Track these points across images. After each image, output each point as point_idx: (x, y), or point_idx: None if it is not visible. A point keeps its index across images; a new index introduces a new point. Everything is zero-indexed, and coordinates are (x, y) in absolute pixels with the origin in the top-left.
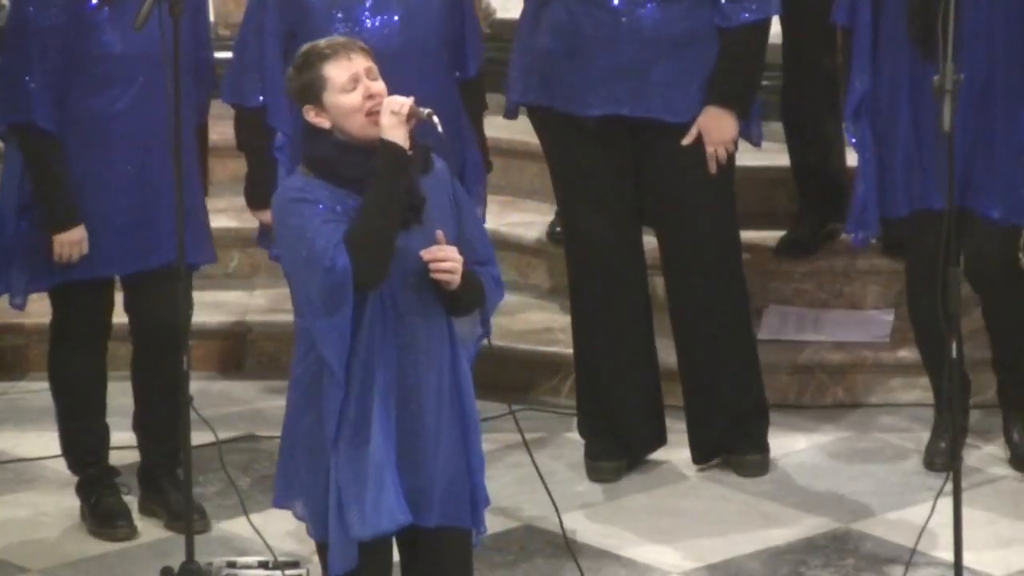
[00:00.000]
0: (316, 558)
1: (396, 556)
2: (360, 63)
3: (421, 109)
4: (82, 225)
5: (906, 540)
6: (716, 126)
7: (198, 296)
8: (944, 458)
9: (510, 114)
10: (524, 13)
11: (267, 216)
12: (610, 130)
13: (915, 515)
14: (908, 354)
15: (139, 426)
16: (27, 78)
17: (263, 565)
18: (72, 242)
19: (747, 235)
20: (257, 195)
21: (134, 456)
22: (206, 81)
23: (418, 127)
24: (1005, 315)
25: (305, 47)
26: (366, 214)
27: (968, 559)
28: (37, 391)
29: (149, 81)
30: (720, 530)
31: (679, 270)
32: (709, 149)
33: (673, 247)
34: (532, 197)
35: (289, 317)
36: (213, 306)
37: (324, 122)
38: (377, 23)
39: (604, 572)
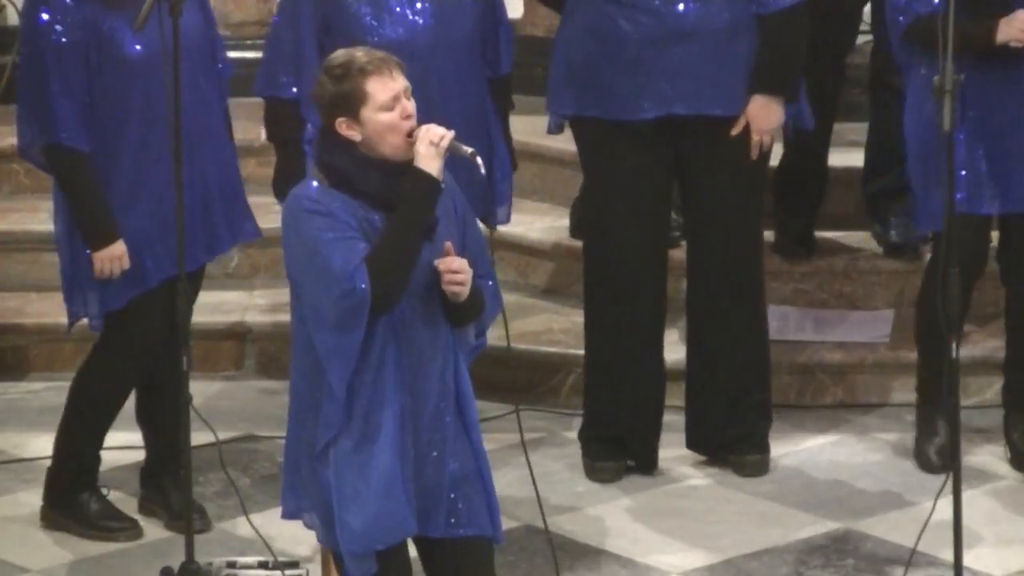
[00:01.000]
0: (317, 558)
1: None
2: (400, 82)
3: (464, 147)
4: (120, 240)
5: (906, 540)
6: (764, 114)
7: (198, 296)
8: (942, 459)
9: (555, 129)
10: (560, 26)
11: None
12: (660, 131)
13: (915, 515)
14: (908, 354)
15: (144, 420)
16: (49, 98)
17: (263, 565)
18: (113, 257)
19: None
20: (287, 189)
21: (133, 456)
22: (225, 68)
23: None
24: None
25: (342, 57)
26: (390, 240)
27: (968, 559)
28: (37, 391)
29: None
30: (720, 530)
31: (703, 263)
32: (756, 137)
33: (700, 241)
34: (531, 197)
35: (289, 317)
36: (213, 306)
37: (355, 135)
38: (409, 16)
39: (604, 572)
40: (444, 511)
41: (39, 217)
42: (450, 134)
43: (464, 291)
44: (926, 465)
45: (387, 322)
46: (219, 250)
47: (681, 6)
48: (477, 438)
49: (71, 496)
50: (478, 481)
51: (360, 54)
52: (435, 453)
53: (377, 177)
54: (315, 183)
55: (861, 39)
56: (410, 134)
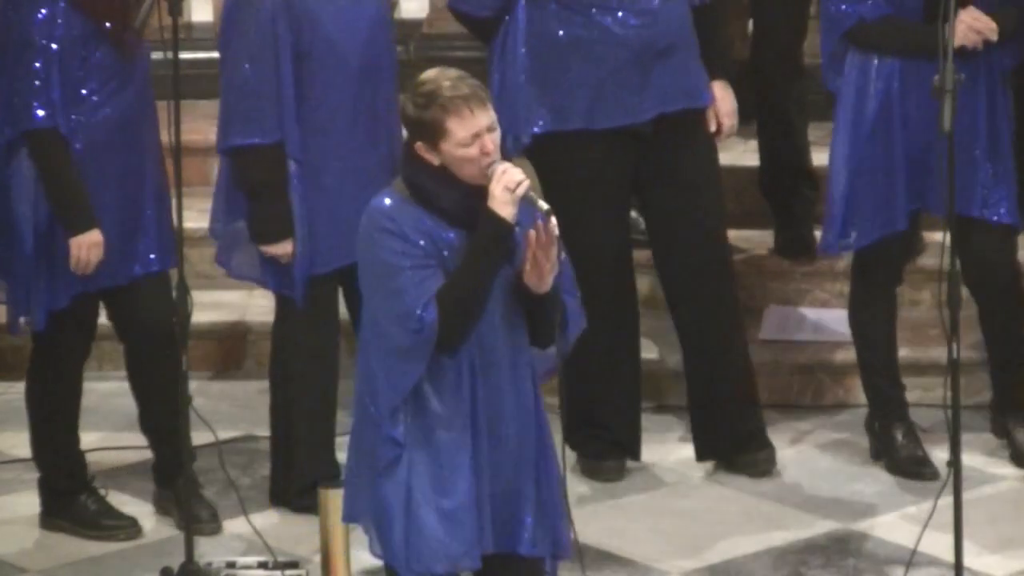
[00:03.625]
0: (316, 558)
1: None
2: (482, 120)
3: (540, 201)
4: (98, 229)
5: (906, 540)
6: (727, 97)
7: (197, 296)
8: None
9: (518, 152)
10: (496, 53)
11: (283, 248)
12: (615, 137)
13: (915, 515)
14: (908, 354)
15: (146, 428)
16: (34, 85)
17: (263, 565)
18: (91, 244)
19: (747, 235)
20: (271, 231)
21: (135, 456)
22: None
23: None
24: (1005, 317)
25: (430, 84)
26: (461, 281)
27: (968, 559)
28: None
29: (138, 90)
30: (720, 530)
31: (678, 263)
32: (726, 121)
33: (670, 242)
34: None
35: None
36: (213, 306)
37: (433, 160)
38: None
39: (604, 572)
40: (510, 532)
41: None
42: (527, 183)
43: (547, 280)
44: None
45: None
46: (141, 271)
47: (620, 15)
48: (551, 454)
49: (68, 499)
50: (547, 503)
51: (447, 84)
52: (510, 475)
53: (456, 197)
54: (391, 196)
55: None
56: (490, 165)
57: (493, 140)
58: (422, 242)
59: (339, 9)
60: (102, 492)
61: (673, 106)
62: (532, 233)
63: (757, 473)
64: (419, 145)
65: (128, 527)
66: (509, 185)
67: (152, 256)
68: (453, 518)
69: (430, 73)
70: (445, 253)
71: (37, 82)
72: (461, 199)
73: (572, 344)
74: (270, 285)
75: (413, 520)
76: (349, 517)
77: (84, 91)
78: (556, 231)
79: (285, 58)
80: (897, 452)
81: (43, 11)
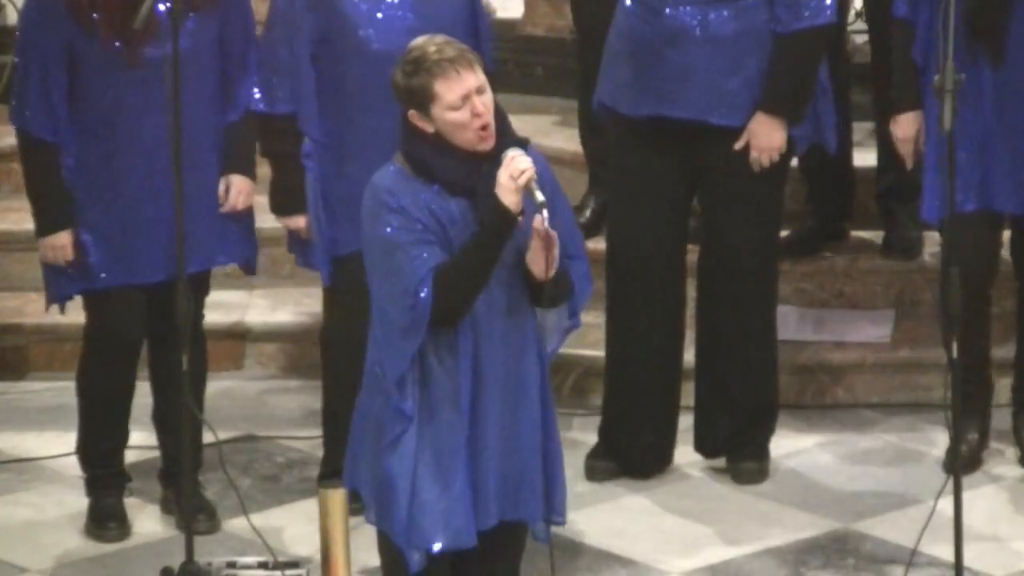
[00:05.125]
0: (316, 558)
1: None
2: (470, 81)
3: (538, 193)
4: (68, 231)
5: (906, 540)
6: (764, 132)
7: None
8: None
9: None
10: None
11: (295, 223)
12: (661, 132)
13: (915, 515)
14: (908, 354)
15: (157, 420)
16: (29, 87)
17: (263, 565)
18: (55, 246)
19: None
20: (285, 203)
21: (134, 456)
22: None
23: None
24: None
25: (416, 50)
26: (460, 264)
27: (968, 559)
28: (37, 391)
29: (145, 91)
30: (720, 530)
31: (712, 269)
32: (754, 154)
33: (713, 249)
34: None
35: (289, 317)
36: (213, 306)
37: (427, 127)
38: (398, 23)
39: (604, 572)
40: (512, 505)
41: None
42: (530, 171)
43: (547, 272)
44: (948, 466)
45: (471, 317)
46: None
47: (687, 9)
48: (550, 419)
49: (90, 486)
50: (536, 464)
51: (432, 49)
52: (497, 442)
53: (455, 165)
54: (393, 169)
55: (860, 39)
56: (484, 128)
57: (484, 102)
58: (422, 217)
59: None
60: (127, 493)
61: (673, 112)
62: (536, 224)
63: (741, 480)
64: (412, 113)
65: (119, 531)
66: (514, 173)
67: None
68: (453, 495)
69: (417, 40)
70: (447, 225)
71: (31, 83)
72: (458, 167)
73: (582, 306)
74: (298, 260)
75: (416, 495)
76: (350, 483)
77: (80, 93)
78: (546, 222)
79: (302, 39)
80: None
81: (39, 12)
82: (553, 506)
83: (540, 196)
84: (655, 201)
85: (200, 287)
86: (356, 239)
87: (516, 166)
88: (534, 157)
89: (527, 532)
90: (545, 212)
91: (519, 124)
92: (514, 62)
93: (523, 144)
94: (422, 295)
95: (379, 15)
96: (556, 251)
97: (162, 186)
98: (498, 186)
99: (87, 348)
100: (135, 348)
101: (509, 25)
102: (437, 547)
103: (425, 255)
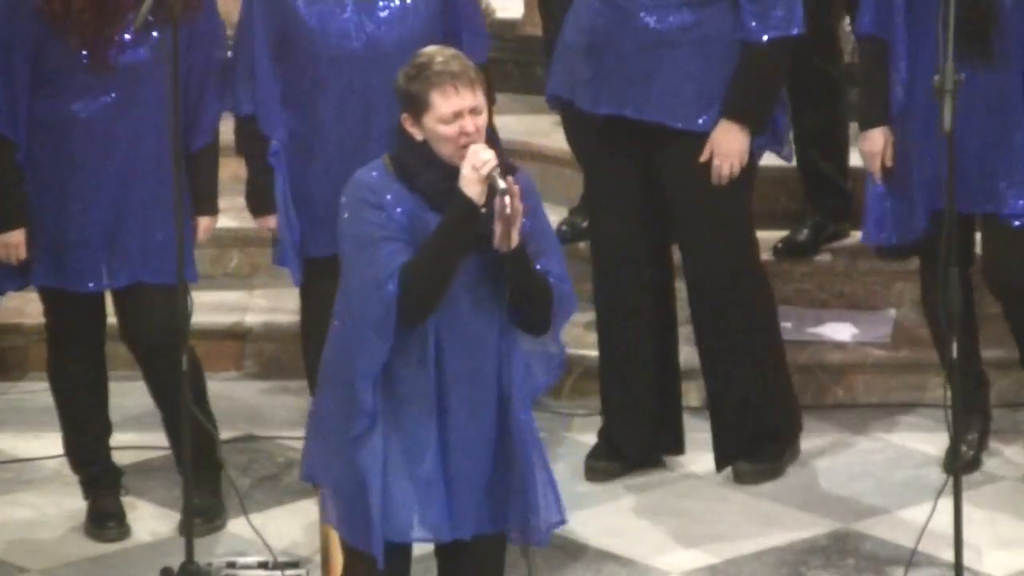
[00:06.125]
0: (316, 558)
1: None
2: (467, 99)
3: (500, 181)
4: (22, 230)
5: (906, 540)
6: (727, 139)
7: (197, 296)
8: (964, 461)
9: (549, 105)
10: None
11: (267, 223)
12: (620, 131)
13: (915, 515)
14: (908, 354)
15: (166, 429)
16: None
17: (263, 565)
18: (8, 244)
19: None
20: (256, 203)
21: (134, 456)
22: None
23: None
24: None
25: (423, 57)
26: (425, 257)
27: (968, 559)
28: (37, 391)
29: (128, 93)
30: (720, 530)
31: (692, 275)
32: (716, 161)
33: (686, 255)
34: None
35: (288, 317)
36: (213, 306)
37: (417, 134)
38: (363, 26)
39: (604, 572)
40: (478, 509)
41: None
42: (492, 163)
43: (511, 235)
44: (948, 466)
45: (436, 318)
46: (124, 280)
47: (652, 11)
48: (527, 444)
49: (87, 487)
50: (513, 473)
51: (439, 59)
52: (476, 452)
53: (436, 179)
54: (377, 170)
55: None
56: (467, 147)
57: (476, 123)
58: (400, 219)
59: None
60: (123, 492)
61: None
62: (499, 205)
63: (739, 481)
64: (405, 117)
65: (118, 530)
66: (476, 164)
67: (144, 267)
68: (427, 489)
69: (428, 48)
70: (421, 236)
71: None
72: (440, 181)
73: (563, 328)
74: (274, 259)
75: (388, 488)
76: (308, 477)
77: (37, 92)
78: (508, 209)
79: (261, 41)
80: None
81: (9, 8)
82: (532, 509)
83: (502, 184)
84: (625, 197)
85: (139, 300)
86: (328, 243)
87: (479, 157)
88: (523, 182)
89: (505, 543)
90: (507, 198)
91: (519, 124)
92: (514, 62)
93: (512, 171)
94: (390, 289)
95: (332, 19)
96: (517, 227)
97: (105, 195)
98: (461, 178)
99: (49, 345)
100: (95, 341)
101: (509, 25)
102: (413, 538)
103: (398, 252)
